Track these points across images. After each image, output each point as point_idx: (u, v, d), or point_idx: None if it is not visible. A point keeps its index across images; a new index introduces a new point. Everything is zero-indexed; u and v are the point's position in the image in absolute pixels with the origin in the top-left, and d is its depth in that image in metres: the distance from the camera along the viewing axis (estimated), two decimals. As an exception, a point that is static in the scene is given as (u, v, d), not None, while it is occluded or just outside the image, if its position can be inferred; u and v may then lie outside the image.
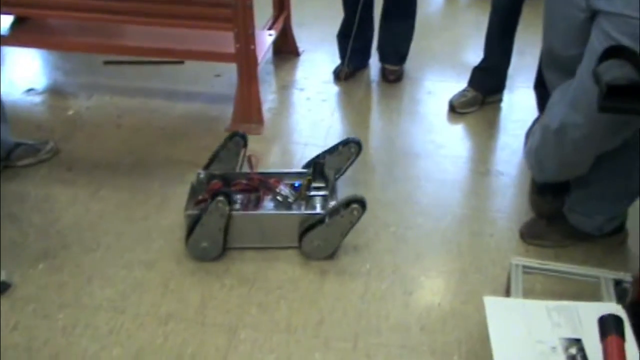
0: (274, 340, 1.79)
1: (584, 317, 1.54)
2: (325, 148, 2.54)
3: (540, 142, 1.88)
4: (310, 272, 2.03)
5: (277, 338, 1.79)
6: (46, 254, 2.07)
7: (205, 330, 1.82)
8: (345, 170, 2.32)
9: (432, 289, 1.97)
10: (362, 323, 1.84)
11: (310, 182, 2.17)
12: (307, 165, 2.33)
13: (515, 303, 1.61)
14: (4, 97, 2.89)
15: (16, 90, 3.02)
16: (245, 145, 2.28)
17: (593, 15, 1.63)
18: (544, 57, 1.97)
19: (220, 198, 1.94)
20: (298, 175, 2.26)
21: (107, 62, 3.26)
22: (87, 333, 1.79)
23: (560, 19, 1.78)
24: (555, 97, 1.84)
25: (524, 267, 1.73)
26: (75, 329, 1.80)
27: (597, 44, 1.59)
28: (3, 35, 2.94)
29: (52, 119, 2.83)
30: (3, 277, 1.92)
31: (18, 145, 2.45)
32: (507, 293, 1.73)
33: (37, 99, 2.98)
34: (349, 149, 2.29)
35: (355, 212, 1.99)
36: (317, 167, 2.23)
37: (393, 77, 3.14)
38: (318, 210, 2.11)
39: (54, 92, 3.06)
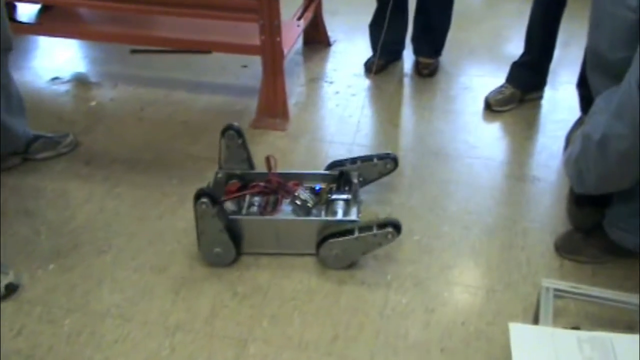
0: (284, 356, 1.69)
1: (620, 351, 1.40)
2: (352, 147, 2.44)
3: (581, 151, 1.73)
4: (327, 282, 1.92)
5: (287, 354, 1.70)
6: (58, 253, 2.01)
7: (213, 342, 1.73)
8: (371, 182, 2.21)
9: (456, 307, 1.85)
10: (379, 341, 1.74)
11: (331, 189, 2.07)
12: (330, 167, 2.22)
13: (544, 331, 1.48)
14: (29, 86, 2.88)
15: (41, 79, 2.98)
16: (240, 136, 2.15)
17: (643, 17, 1.47)
18: (588, 59, 1.81)
19: (204, 200, 1.84)
20: (320, 177, 2.16)
21: (133, 51, 3.20)
22: (92, 341, 1.73)
23: (608, 18, 1.62)
24: (599, 104, 1.68)
25: (556, 290, 1.59)
26: (80, 337, 1.74)
27: (646, 50, 1.43)
28: (29, 24, 2.90)
29: (74, 110, 2.78)
30: (12, 278, 1.86)
31: (37, 138, 2.40)
32: (536, 318, 1.60)
33: (62, 88, 2.93)
34: (384, 165, 2.18)
35: (389, 236, 1.89)
36: (342, 175, 2.12)
37: (427, 71, 3.00)
38: (339, 216, 2.00)
39: (79, 81, 3.01)
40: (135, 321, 1.79)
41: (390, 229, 1.88)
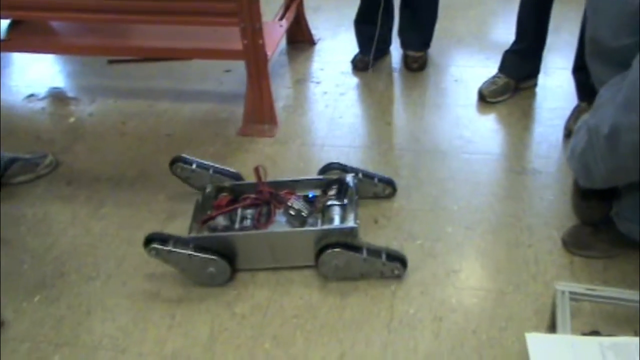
0: (289, 380, 1.61)
1: (645, 356, 1.32)
2: (344, 149, 2.40)
3: (587, 145, 1.64)
4: (329, 296, 1.83)
5: (293, 378, 1.61)
6: (42, 284, 1.91)
7: (213, 369, 1.64)
8: (362, 199, 2.12)
9: (465, 313, 1.76)
10: (387, 357, 1.65)
11: (326, 196, 1.99)
12: (324, 169, 2.13)
13: (563, 340, 1.39)
14: (3, 105, 2.76)
15: (15, 97, 2.86)
16: (190, 163, 2.12)
17: (650, 1, 1.39)
18: (587, 46, 1.72)
19: (154, 246, 1.80)
20: (313, 183, 2.06)
21: (111, 62, 3.08)
22: (84, 378, 1.63)
23: (610, 4, 1.53)
24: (604, 95, 1.60)
25: (571, 293, 1.51)
26: (71, 373, 1.65)
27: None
28: (1, 40, 2.77)
29: (53, 128, 2.66)
30: (-4, 315, 1.76)
31: (13, 160, 2.29)
32: (552, 324, 1.51)
33: (38, 105, 2.82)
34: (383, 189, 2.15)
35: (395, 272, 1.85)
36: (342, 186, 2.02)
37: (416, 64, 2.90)
38: (336, 222, 1.90)
39: (56, 97, 2.89)
40: (130, 352, 1.69)
41: (398, 265, 1.83)
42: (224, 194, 2.03)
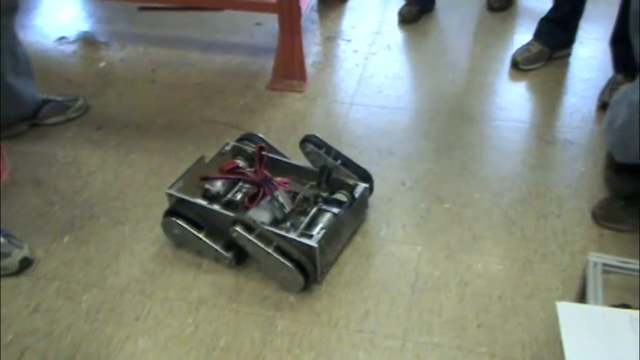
0: (313, 334, 1.62)
1: (674, 331, 1.32)
2: (372, 108, 2.41)
3: (627, 119, 1.62)
4: (355, 254, 1.84)
5: (317, 332, 1.62)
6: (72, 225, 1.93)
7: (239, 319, 1.66)
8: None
9: (491, 279, 1.76)
10: (412, 318, 1.66)
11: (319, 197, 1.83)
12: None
13: (594, 311, 1.39)
14: (34, 47, 2.75)
15: (46, 39, 2.85)
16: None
17: None
18: (632, 20, 1.67)
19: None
20: (311, 174, 1.89)
21: (142, 8, 3.05)
22: (111, 319, 1.66)
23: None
24: (648, 68, 1.57)
25: (604, 265, 1.50)
26: (100, 314, 1.67)
27: None
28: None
29: (83, 71, 2.65)
30: (26, 252, 1.78)
31: (46, 102, 2.30)
32: (582, 294, 1.51)
33: (69, 48, 2.80)
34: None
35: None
36: (352, 195, 1.83)
37: (498, 4, 2.94)
38: (315, 231, 1.72)
39: (86, 41, 2.88)
40: (156, 297, 1.72)
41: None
42: (237, 159, 1.92)
